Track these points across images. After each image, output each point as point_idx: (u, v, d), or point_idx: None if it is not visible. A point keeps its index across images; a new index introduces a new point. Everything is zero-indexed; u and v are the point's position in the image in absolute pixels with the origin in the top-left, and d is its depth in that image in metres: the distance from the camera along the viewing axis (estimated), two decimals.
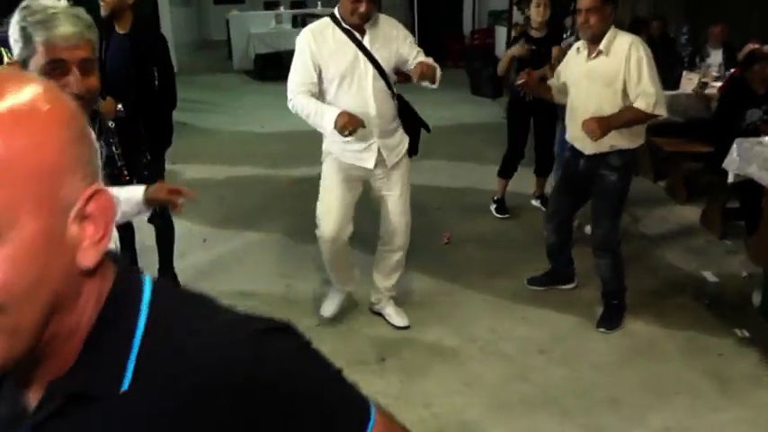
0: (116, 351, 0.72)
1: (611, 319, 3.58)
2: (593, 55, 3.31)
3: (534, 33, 4.76)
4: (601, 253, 3.55)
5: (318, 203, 3.41)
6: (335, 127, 2.96)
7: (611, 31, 3.27)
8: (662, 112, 3.24)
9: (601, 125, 3.13)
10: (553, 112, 4.54)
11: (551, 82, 3.77)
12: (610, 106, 3.25)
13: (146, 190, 1.97)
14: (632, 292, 3.71)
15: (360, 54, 3.08)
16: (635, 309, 3.68)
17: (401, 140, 3.34)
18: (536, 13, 4.69)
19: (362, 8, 2.96)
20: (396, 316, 3.64)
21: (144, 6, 10.81)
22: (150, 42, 3.44)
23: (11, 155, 0.61)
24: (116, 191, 1.86)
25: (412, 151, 3.43)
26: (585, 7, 3.23)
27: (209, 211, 5.31)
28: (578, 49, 3.48)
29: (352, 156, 3.26)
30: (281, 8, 11.91)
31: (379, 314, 3.69)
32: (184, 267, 4.27)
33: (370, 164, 3.25)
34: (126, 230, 3.89)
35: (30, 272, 0.64)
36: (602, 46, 3.28)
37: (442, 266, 4.31)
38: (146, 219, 3.85)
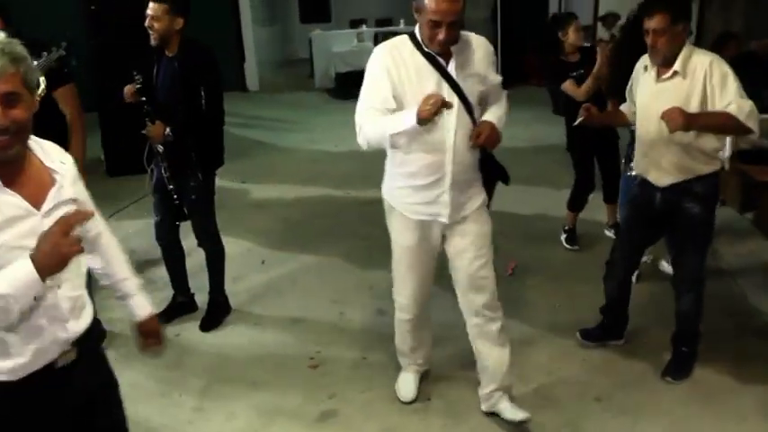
0: None
1: (679, 368, 3.27)
2: (667, 75, 3.01)
3: (571, 58, 4.58)
4: (685, 288, 3.24)
5: (393, 273, 3.04)
6: (419, 118, 2.42)
7: (686, 49, 2.97)
8: (754, 126, 2.87)
9: (685, 117, 2.74)
10: (613, 133, 4.32)
11: (624, 107, 3.46)
12: (686, 135, 2.92)
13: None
14: (706, 335, 3.38)
15: (443, 83, 2.59)
16: (707, 354, 3.36)
17: (475, 195, 2.83)
18: (576, 38, 4.53)
19: (441, 35, 2.48)
20: (512, 409, 2.97)
21: (227, 26, 11.22)
22: (197, 62, 3.45)
23: None
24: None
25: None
26: (654, 28, 2.94)
27: (272, 233, 5.32)
28: (646, 66, 3.16)
29: (417, 209, 2.79)
30: (363, 26, 11.96)
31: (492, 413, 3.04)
32: (239, 290, 4.27)
33: (444, 218, 2.76)
34: (174, 258, 3.93)
35: None
36: (677, 66, 2.97)
37: (502, 298, 4.10)
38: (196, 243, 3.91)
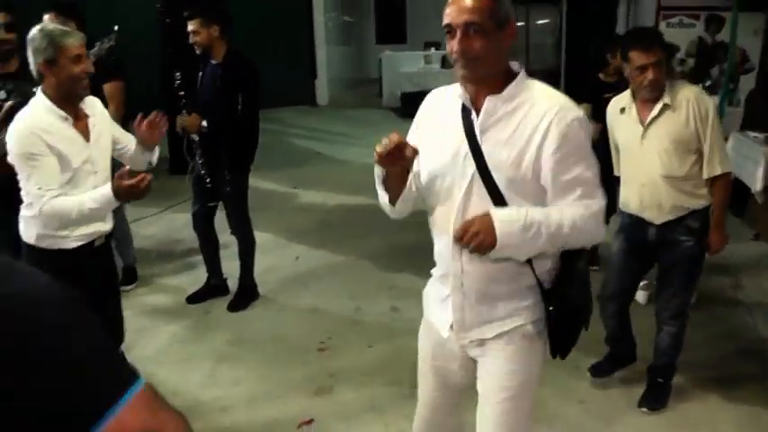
0: None
1: (655, 398, 3.25)
2: (655, 114, 2.96)
3: (609, 79, 4.62)
4: (670, 322, 3.19)
5: None
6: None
7: (667, 81, 3.00)
8: (730, 168, 3.04)
9: (718, 242, 3.07)
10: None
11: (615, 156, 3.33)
12: (680, 166, 2.98)
13: (113, 187, 2.48)
14: (707, 360, 3.49)
15: (465, 143, 1.83)
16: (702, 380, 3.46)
17: (509, 315, 1.93)
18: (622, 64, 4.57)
19: (455, 46, 1.73)
20: None
21: (302, 44, 11.86)
22: (238, 72, 3.88)
23: None
24: (90, 193, 2.53)
25: (556, 349, 1.98)
26: (653, 62, 2.86)
27: (309, 233, 5.71)
28: (623, 109, 3.09)
29: (429, 304, 2.11)
30: (432, 49, 12.34)
31: None
32: (269, 280, 4.66)
33: (444, 330, 2.01)
34: (209, 245, 4.36)
35: None
36: (666, 99, 2.94)
37: None
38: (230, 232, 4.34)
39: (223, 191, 4.06)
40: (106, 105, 3.77)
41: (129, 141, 2.94)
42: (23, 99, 3.20)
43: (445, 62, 11.86)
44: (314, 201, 6.74)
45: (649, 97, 2.97)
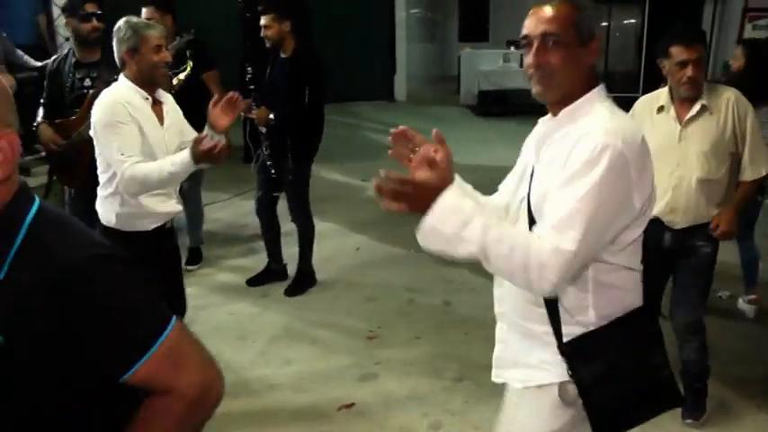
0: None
1: (696, 404, 3.14)
2: (693, 113, 2.87)
3: None
4: (693, 337, 3.06)
5: None
6: None
7: (705, 82, 2.92)
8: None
9: (730, 224, 2.90)
10: None
11: None
12: (717, 169, 2.90)
13: (191, 151, 2.67)
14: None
15: (527, 171, 1.73)
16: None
17: (539, 364, 1.70)
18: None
19: (529, 59, 1.61)
20: None
21: (383, 41, 12.02)
22: (306, 67, 4.03)
23: None
24: (169, 158, 2.74)
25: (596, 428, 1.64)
26: (694, 58, 2.78)
27: (373, 225, 5.81)
28: (661, 107, 2.97)
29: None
30: (512, 48, 12.22)
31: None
32: (328, 268, 4.80)
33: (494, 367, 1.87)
34: (271, 231, 4.53)
35: None
36: (704, 100, 2.85)
37: None
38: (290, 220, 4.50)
39: (285, 179, 4.22)
40: (205, 95, 3.95)
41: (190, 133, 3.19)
42: (105, 86, 3.46)
43: (523, 61, 11.74)
44: None
45: (687, 95, 2.87)
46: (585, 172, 1.48)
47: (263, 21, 4.02)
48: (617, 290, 1.65)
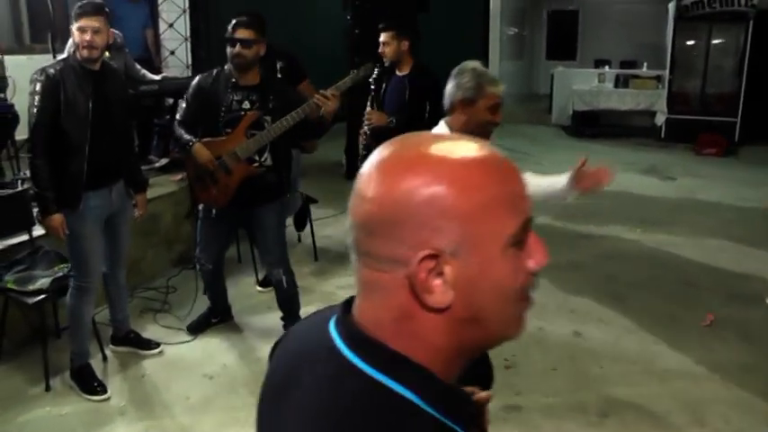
0: None
1: None
2: None
3: None
4: None
5: None
6: None
7: None
8: None
9: None
10: None
11: None
12: None
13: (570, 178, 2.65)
14: None
15: None
16: None
17: None
18: None
19: None
20: None
21: (478, 58, 12.15)
22: (426, 84, 4.28)
23: None
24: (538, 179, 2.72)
25: None
26: None
27: None
28: None
29: None
30: (606, 67, 12.17)
31: None
32: None
33: None
34: None
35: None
36: None
37: (694, 346, 4.33)
38: None
39: None
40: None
41: None
42: (287, 105, 3.71)
43: (619, 81, 11.68)
44: None
45: None
46: None
47: (382, 38, 4.26)
48: None
